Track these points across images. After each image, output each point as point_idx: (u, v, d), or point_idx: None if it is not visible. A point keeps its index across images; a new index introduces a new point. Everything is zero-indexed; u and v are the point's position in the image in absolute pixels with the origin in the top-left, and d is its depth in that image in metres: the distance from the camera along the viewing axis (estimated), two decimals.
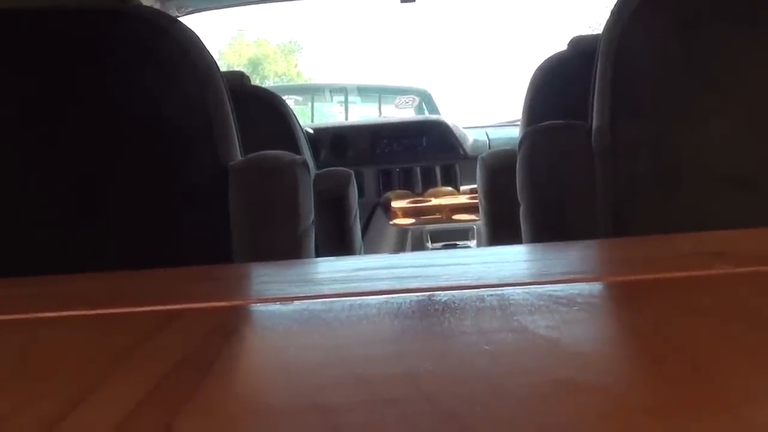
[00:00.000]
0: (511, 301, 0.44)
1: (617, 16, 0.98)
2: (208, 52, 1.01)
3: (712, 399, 0.28)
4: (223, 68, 1.24)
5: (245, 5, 2.66)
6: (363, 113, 4.18)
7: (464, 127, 2.82)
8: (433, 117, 3.16)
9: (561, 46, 1.67)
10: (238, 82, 1.80)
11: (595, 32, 1.46)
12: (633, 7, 0.97)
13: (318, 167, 2.11)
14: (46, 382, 0.35)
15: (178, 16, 2.28)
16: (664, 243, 0.66)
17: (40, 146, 0.96)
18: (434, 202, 2.60)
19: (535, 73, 1.66)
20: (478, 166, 1.64)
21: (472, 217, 2.50)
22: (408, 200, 2.62)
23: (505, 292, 0.46)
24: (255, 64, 17.49)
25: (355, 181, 1.94)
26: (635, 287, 0.49)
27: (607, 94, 0.98)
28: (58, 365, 0.38)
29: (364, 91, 4.23)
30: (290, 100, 3.52)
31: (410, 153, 2.69)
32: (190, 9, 2.42)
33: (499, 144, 2.59)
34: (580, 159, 1.02)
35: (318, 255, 1.24)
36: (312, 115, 3.99)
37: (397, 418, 0.27)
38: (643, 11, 0.97)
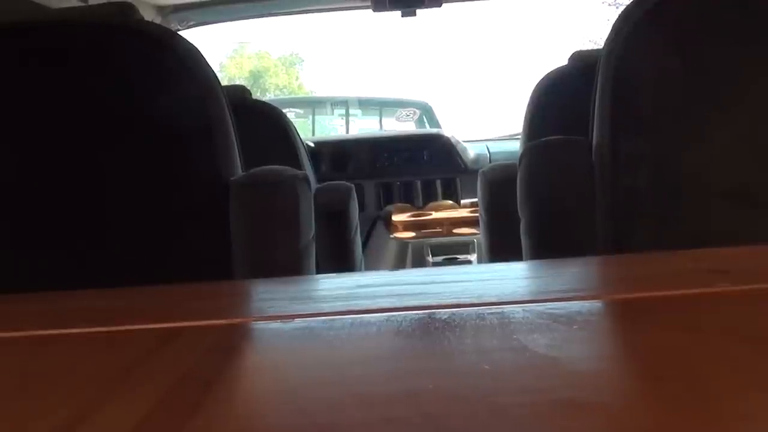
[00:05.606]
0: (511, 320, 0.44)
1: (618, 32, 0.98)
2: (209, 66, 1.01)
3: (710, 419, 0.28)
4: (224, 81, 1.25)
5: (246, 19, 2.67)
6: (364, 126, 4.18)
7: (465, 141, 2.82)
8: (434, 130, 3.16)
9: (562, 60, 1.68)
10: (239, 96, 1.81)
11: (596, 47, 1.46)
12: (634, 23, 0.97)
13: (319, 181, 2.11)
14: (46, 401, 0.35)
15: (179, 30, 2.29)
16: (664, 260, 0.66)
17: (40, 159, 0.96)
18: (435, 215, 2.60)
19: (535, 87, 1.67)
20: (478, 180, 1.64)
21: (473, 230, 2.50)
22: (409, 214, 2.62)
23: (505, 310, 0.46)
24: (256, 76, 17.53)
25: (355, 194, 1.95)
26: (635, 305, 0.49)
27: (608, 110, 0.98)
28: (58, 384, 0.38)
29: (365, 104, 4.24)
30: (291, 113, 3.53)
31: (411, 166, 2.69)
32: (192, 23, 2.42)
33: (499, 158, 2.59)
34: (581, 174, 1.02)
35: (319, 269, 1.24)
36: (313, 128, 4.00)
37: None
38: (643, 27, 0.97)
